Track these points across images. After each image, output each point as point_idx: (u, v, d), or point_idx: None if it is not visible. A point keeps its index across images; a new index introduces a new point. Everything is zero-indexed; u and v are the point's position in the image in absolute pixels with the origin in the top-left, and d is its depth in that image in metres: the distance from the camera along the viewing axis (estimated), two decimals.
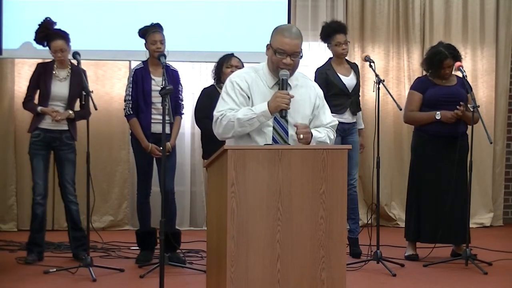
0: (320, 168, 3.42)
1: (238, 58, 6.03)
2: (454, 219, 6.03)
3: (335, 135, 3.97)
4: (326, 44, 6.37)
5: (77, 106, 6.05)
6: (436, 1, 7.98)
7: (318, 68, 6.36)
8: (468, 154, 6.09)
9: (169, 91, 4.36)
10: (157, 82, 5.87)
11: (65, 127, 5.92)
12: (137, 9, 7.06)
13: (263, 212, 3.34)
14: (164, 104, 4.37)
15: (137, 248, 6.11)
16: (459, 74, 6.05)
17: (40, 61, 7.33)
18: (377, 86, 5.89)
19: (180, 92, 6.04)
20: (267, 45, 3.79)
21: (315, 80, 6.26)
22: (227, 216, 3.29)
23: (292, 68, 3.74)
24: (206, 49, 7.12)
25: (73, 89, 5.94)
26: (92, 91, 5.62)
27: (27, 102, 6.01)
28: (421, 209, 6.18)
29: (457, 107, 5.97)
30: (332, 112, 6.19)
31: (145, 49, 5.95)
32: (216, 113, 3.73)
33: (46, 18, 5.99)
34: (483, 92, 8.03)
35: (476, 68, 8.04)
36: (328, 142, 3.83)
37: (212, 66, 7.18)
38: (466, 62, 7.78)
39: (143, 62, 6.00)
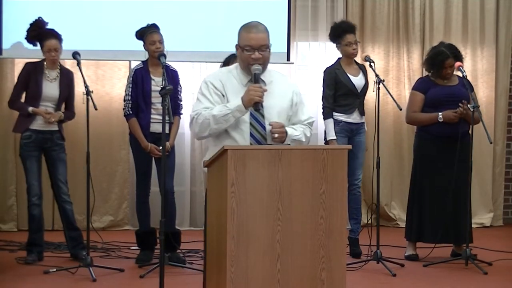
0: (320, 168, 3.42)
1: None
2: (455, 219, 6.03)
3: (312, 132, 3.95)
4: (335, 45, 6.38)
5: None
6: (436, 1, 7.97)
7: (327, 68, 6.37)
8: (470, 154, 6.09)
9: (169, 91, 4.36)
10: (156, 82, 5.87)
11: (56, 128, 5.93)
12: (137, 9, 7.05)
13: (263, 212, 3.34)
14: (164, 104, 4.37)
15: (137, 248, 6.11)
16: (460, 74, 6.05)
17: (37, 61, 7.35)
18: (377, 86, 5.90)
19: (179, 92, 6.04)
20: (236, 45, 3.80)
21: (323, 80, 6.31)
22: (227, 216, 3.29)
23: (263, 62, 3.75)
24: (206, 49, 7.13)
25: (63, 90, 5.94)
26: (92, 91, 5.62)
27: (15, 102, 5.98)
28: (423, 209, 6.18)
29: (460, 104, 5.97)
30: (340, 112, 6.26)
31: (144, 49, 5.96)
32: (191, 113, 3.76)
33: (38, 18, 5.98)
34: (483, 92, 8.02)
35: (476, 68, 8.04)
36: (304, 140, 3.82)
37: (212, 66, 7.20)
38: (466, 62, 7.77)
39: (143, 62, 6.00)
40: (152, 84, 5.90)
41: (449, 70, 6.11)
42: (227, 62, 6.01)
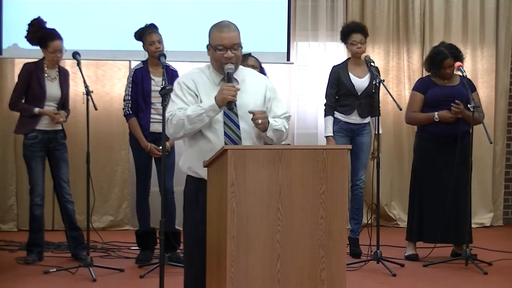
0: (320, 168, 3.42)
1: (255, 58, 5.99)
2: (455, 219, 6.03)
3: (289, 124, 3.94)
4: (344, 45, 6.41)
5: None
6: (436, 1, 7.97)
7: (333, 66, 6.40)
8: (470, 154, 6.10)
9: (169, 91, 4.35)
10: (156, 82, 5.88)
11: (60, 127, 5.94)
12: (137, 9, 7.06)
13: (263, 212, 3.34)
14: (164, 104, 4.37)
15: (137, 248, 6.11)
16: (460, 74, 6.05)
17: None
18: (377, 86, 5.90)
19: None
20: (207, 46, 3.81)
21: (328, 78, 6.32)
22: (227, 216, 3.29)
23: (236, 61, 3.75)
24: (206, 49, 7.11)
25: (64, 89, 5.95)
26: (92, 91, 5.62)
27: (16, 103, 5.96)
28: (423, 209, 6.18)
29: (452, 105, 5.97)
30: (340, 112, 6.29)
31: (143, 50, 5.97)
32: (166, 114, 3.75)
33: (37, 18, 5.97)
34: (483, 92, 8.02)
35: (476, 68, 8.03)
36: (284, 131, 3.81)
37: None
38: (466, 62, 7.76)
39: (143, 62, 6.00)
40: (152, 84, 5.90)
41: (448, 70, 6.10)
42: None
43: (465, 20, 8.03)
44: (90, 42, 6.90)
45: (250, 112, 3.67)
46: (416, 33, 7.94)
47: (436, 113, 6.04)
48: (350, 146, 3.78)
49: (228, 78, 3.71)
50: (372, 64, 6.01)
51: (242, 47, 3.80)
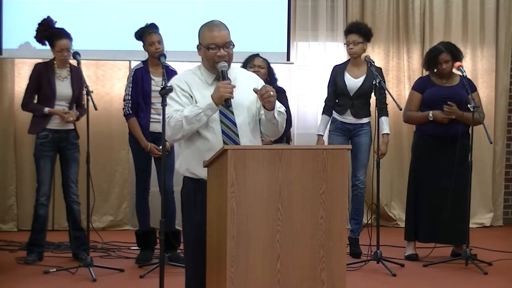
0: (320, 168, 3.42)
1: (263, 58, 5.99)
2: (453, 219, 6.03)
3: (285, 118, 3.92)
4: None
5: None
6: (436, 1, 7.97)
7: (334, 66, 6.47)
8: (469, 154, 6.09)
9: (169, 91, 4.35)
10: (156, 82, 5.88)
11: (72, 127, 5.93)
12: (137, 9, 7.06)
13: (263, 212, 3.33)
14: (164, 104, 4.37)
15: (137, 248, 6.11)
16: (460, 74, 6.05)
17: (40, 61, 7.35)
18: (377, 86, 5.90)
19: None
20: (197, 46, 3.80)
21: (329, 77, 6.35)
22: (227, 216, 3.29)
23: (229, 60, 3.75)
24: None
25: (75, 88, 5.95)
26: (92, 91, 5.63)
27: (28, 104, 5.98)
28: (420, 208, 6.19)
29: (444, 106, 5.96)
30: (336, 111, 6.31)
31: (144, 50, 5.97)
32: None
33: (46, 17, 5.99)
34: (483, 92, 8.01)
35: (476, 68, 8.03)
36: (285, 114, 3.79)
37: None
38: (466, 62, 7.77)
39: (143, 62, 6.01)
40: (152, 84, 5.90)
41: (444, 65, 6.09)
42: (246, 63, 6.00)
43: (465, 20, 8.03)
44: (90, 42, 6.90)
45: (255, 90, 3.65)
46: (416, 33, 7.94)
47: (430, 112, 6.05)
48: (350, 146, 3.78)
49: (223, 76, 3.70)
50: (373, 64, 6.00)
51: (234, 46, 3.79)
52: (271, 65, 6.19)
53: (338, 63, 6.50)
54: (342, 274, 3.45)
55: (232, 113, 3.71)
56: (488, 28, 8.05)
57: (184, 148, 3.80)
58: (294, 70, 7.78)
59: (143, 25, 5.99)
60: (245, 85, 3.76)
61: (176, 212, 6.06)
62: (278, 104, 3.75)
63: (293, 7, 7.61)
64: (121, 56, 7.23)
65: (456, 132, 5.98)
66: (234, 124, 3.71)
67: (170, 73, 5.88)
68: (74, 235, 6.01)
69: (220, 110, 3.69)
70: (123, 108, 5.96)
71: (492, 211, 8.09)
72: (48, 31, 5.90)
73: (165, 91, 4.33)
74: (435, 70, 6.18)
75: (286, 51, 7.40)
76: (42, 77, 5.91)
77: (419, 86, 6.26)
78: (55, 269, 5.58)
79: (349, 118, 6.27)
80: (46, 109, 5.85)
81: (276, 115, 3.70)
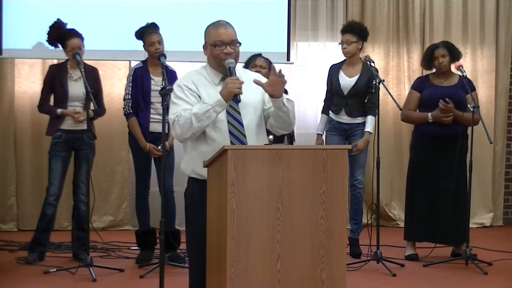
0: (320, 168, 3.42)
1: (265, 58, 5.98)
2: (452, 219, 6.03)
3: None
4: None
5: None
6: (436, 1, 7.98)
7: (332, 65, 6.49)
8: (467, 154, 6.10)
9: (169, 91, 4.36)
10: (156, 82, 5.88)
11: (86, 127, 5.91)
12: (137, 9, 7.06)
13: (263, 212, 3.33)
14: (164, 104, 4.38)
15: (137, 248, 6.11)
16: (460, 74, 6.05)
17: (40, 61, 7.36)
18: (377, 86, 5.90)
19: None
20: (203, 45, 3.80)
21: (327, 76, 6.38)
22: (227, 216, 3.29)
23: (235, 57, 3.75)
24: None
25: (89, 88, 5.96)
26: (92, 91, 5.63)
27: (43, 105, 6.04)
28: (417, 208, 6.20)
29: (440, 101, 5.94)
30: (332, 111, 6.33)
31: (144, 49, 5.96)
32: (171, 116, 3.71)
33: (57, 20, 6.01)
34: (483, 92, 8.02)
35: (476, 68, 8.04)
36: (293, 101, 3.79)
37: None
38: (466, 62, 7.78)
39: (142, 62, 6.01)
40: (151, 83, 5.90)
41: (441, 59, 6.10)
42: (248, 63, 5.99)
43: (465, 20, 8.03)
44: (90, 42, 6.87)
45: (256, 81, 3.64)
46: (416, 33, 7.95)
47: (429, 113, 6.04)
48: (350, 146, 3.77)
49: (231, 72, 3.70)
50: (372, 64, 6.01)
51: (240, 44, 3.79)
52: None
53: (335, 63, 6.51)
54: (342, 274, 3.45)
55: (239, 113, 3.71)
56: (488, 28, 8.05)
57: (190, 149, 3.78)
58: (294, 70, 7.78)
59: (143, 24, 5.99)
60: (250, 85, 3.77)
61: (176, 212, 6.07)
62: (287, 96, 3.75)
63: (293, 7, 7.62)
64: (121, 56, 7.23)
65: (454, 132, 5.98)
66: (241, 124, 3.70)
67: (169, 73, 5.89)
68: (77, 235, 6.01)
69: (227, 111, 3.68)
70: (124, 108, 5.96)
71: (492, 211, 8.09)
72: (58, 32, 5.92)
73: (165, 91, 4.34)
74: (433, 68, 6.19)
75: (286, 51, 7.40)
76: (55, 79, 5.95)
77: (418, 85, 6.27)
78: (55, 269, 5.58)
79: (344, 118, 6.28)
80: (59, 110, 5.89)
81: (285, 101, 3.69)
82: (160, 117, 5.65)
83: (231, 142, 3.64)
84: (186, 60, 7.29)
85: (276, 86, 3.63)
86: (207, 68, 3.84)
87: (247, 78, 3.84)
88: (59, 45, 5.97)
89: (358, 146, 6.18)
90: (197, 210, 3.74)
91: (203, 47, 3.82)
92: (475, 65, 8.03)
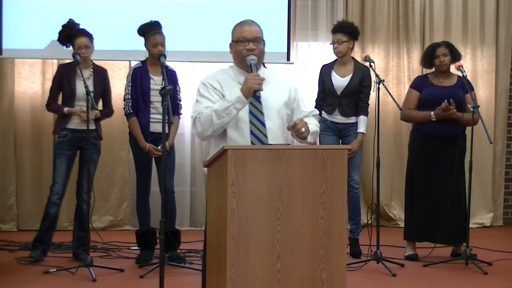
0: (320, 168, 3.42)
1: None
2: (451, 219, 6.03)
3: (319, 121, 3.95)
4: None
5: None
6: (436, 1, 7.98)
7: (323, 65, 6.48)
8: (466, 154, 6.10)
9: (169, 91, 4.36)
10: (155, 81, 5.88)
11: (92, 127, 5.90)
12: (137, 9, 7.06)
13: (263, 212, 3.33)
14: (164, 104, 4.37)
15: (137, 248, 6.11)
16: (459, 74, 6.05)
17: (40, 61, 7.37)
18: (377, 86, 5.90)
19: (178, 92, 6.04)
20: (230, 44, 3.81)
21: (318, 76, 6.36)
22: (227, 216, 3.29)
23: (258, 54, 3.74)
24: (206, 49, 7.13)
25: (97, 88, 5.96)
26: (92, 91, 5.63)
27: (51, 104, 6.04)
28: (417, 208, 6.20)
29: (444, 101, 5.94)
30: (325, 111, 6.34)
31: (144, 48, 5.95)
32: (193, 114, 3.74)
33: (69, 20, 6.03)
34: (483, 92, 8.03)
35: (476, 68, 8.04)
36: (318, 130, 3.86)
37: (212, 66, 7.20)
38: (466, 62, 7.78)
39: (142, 62, 6.00)
40: (151, 83, 5.89)
41: (442, 58, 6.10)
42: None
43: (465, 20, 8.03)
44: None
45: (288, 127, 3.67)
46: (416, 33, 7.95)
47: (432, 112, 6.04)
48: (349, 146, 3.77)
49: (251, 69, 3.70)
50: (372, 64, 6.00)
51: (265, 43, 3.78)
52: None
53: (326, 63, 6.51)
54: (342, 274, 3.45)
55: (262, 113, 3.71)
56: (488, 28, 8.05)
57: (213, 150, 3.78)
58: (294, 70, 7.78)
59: (146, 21, 5.94)
60: (277, 87, 3.77)
61: (176, 212, 6.08)
62: (311, 126, 3.74)
63: (293, 7, 7.62)
64: (121, 56, 7.23)
65: (454, 132, 5.98)
66: (264, 125, 3.70)
67: (169, 73, 5.88)
68: (78, 234, 6.01)
69: (250, 110, 3.68)
70: (124, 108, 5.95)
71: (492, 211, 8.10)
72: (68, 31, 5.93)
73: (165, 91, 4.34)
74: (433, 67, 6.19)
75: (286, 51, 7.40)
76: (63, 78, 5.95)
77: (417, 84, 6.27)
78: (55, 269, 5.58)
79: (338, 118, 6.28)
80: (65, 109, 5.90)
81: (309, 139, 3.73)
82: (161, 117, 5.64)
83: (252, 143, 3.64)
84: (186, 60, 7.29)
85: (298, 133, 3.66)
86: (233, 67, 3.84)
87: (276, 79, 3.83)
88: (70, 45, 5.98)
89: (353, 148, 6.17)
90: None
91: (229, 46, 3.82)
92: (475, 65, 8.04)
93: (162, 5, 7.09)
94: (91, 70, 6.01)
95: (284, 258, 3.35)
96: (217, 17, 7.19)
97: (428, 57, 6.18)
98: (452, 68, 6.16)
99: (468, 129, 6.07)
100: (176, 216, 6.11)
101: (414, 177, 6.24)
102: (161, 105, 4.41)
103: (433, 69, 6.26)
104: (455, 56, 6.14)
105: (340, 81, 6.25)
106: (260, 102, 3.69)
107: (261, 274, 3.32)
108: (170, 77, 5.88)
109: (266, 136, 3.68)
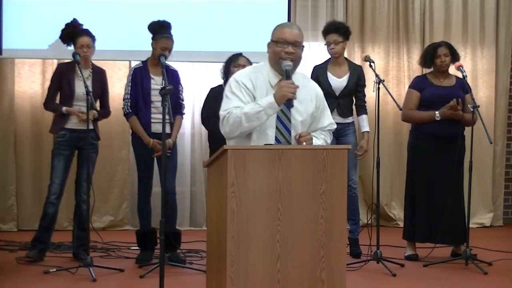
0: (320, 168, 3.42)
1: (246, 58, 5.97)
2: (451, 219, 6.02)
3: (332, 138, 3.96)
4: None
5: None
6: (436, 1, 7.98)
7: (315, 66, 6.41)
8: (465, 155, 6.10)
9: (169, 91, 4.36)
10: (156, 81, 5.87)
11: (91, 127, 5.89)
12: (138, 9, 7.05)
13: (263, 212, 3.34)
14: (164, 104, 4.37)
15: (137, 248, 6.11)
16: (459, 74, 6.05)
17: (40, 61, 7.37)
18: (377, 86, 5.90)
19: (181, 92, 6.04)
20: (268, 43, 3.78)
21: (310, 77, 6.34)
22: (227, 216, 3.29)
23: (295, 59, 3.72)
24: (206, 49, 7.12)
25: (95, 89, 5.96)
26: (92, 91, 5.63)
27: (49, 103, 6.03)
28: (417, 208, 6.19)
29: (453, 100, 5.94)
30: None
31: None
32: (222, 112, 3.69)
33: (73, 19, 6.03)
34: (483, 92, 8.03)
35: (476, 68, 8.04)
36: (331, 135, 3.90)
37: (212, 66, 7.19)
38: (466, 62, 7.78)
39: (143, 62, 6.00)
40: (151, 82, 5.89)
41: (444, 58, 6.10)
42: (229, 62, 5.99)
43: (465, 20, 8.03)
44: None
45: (298, 137, 3.67)
46: (416, 33, 7.95)
47: (437, 112, 6.03)
48: (349, 146, 3.76)
49: (287, 75, 3.68)
50: (372, 64, 6.00)
51: (303, 48, 3.76)
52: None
53: (318, 64, 6.48)
54: (342, 274, 3.46)
55: (290, 120, 3.70)
56: (488, 28, 8.05)
57: None
58: None
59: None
60: (306, 95, 3.77)
61: (177, 212, 6.07)
62: (318, 141, 3.76)
63: (293, 7, 7.61)
64: (121, 56, 7.22)
65: (454, 132, 5.98)
66: (289, 132, 3.70)
67: (171, 72, 5.89)
68: (78, 234, 6.01)
69: (278, 116, 3.67)
70: (123, 108, 5.95)
71: (492, 211, 8.10)
72: (70, 30, 5.94)
73: (165, 91, 4.34)
74: (432, 67, 6.19)
75: None
76: (63, 77, 5.95)
77: (417, 84, 6.26)
78: (55, 269, 5.58)
79: (336, 118, 6.24)
80: (64, 108, 5.89)
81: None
82: (161, 116, 5.63)
83: None
84: (186, 60, 7.29)
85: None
86: (267, 66, 3.81)
87: (305, 86, 3.81)
88: (71, 43, 5.98)
89: (364, 147, 6.20)
90: None
91: (268, 45, 3.80)
92: (475, 65, 8.03)
93: (162, 5, 7.08)
94: (90, 70, 6.01)
95: (284, 258, 3.35)
96: (217, 17, 7.19)
97: (429, 57, 6.17)
98: (452, 68, 6.16)
99: (468, 129, 6.07)
100: (177, 217, 6.10)
101: (414, 177, 6.24)
102: (161, 105, 4.41)
103: (432, 69, 6.26)
104: (455, 56, 6.15)
105: (337, 82, 6.24)
106: (289, 110, 3.67)
107: (261, 274, 3.33)
108: (172, 77, 5.87)
109: (289, 143, 3.68)
